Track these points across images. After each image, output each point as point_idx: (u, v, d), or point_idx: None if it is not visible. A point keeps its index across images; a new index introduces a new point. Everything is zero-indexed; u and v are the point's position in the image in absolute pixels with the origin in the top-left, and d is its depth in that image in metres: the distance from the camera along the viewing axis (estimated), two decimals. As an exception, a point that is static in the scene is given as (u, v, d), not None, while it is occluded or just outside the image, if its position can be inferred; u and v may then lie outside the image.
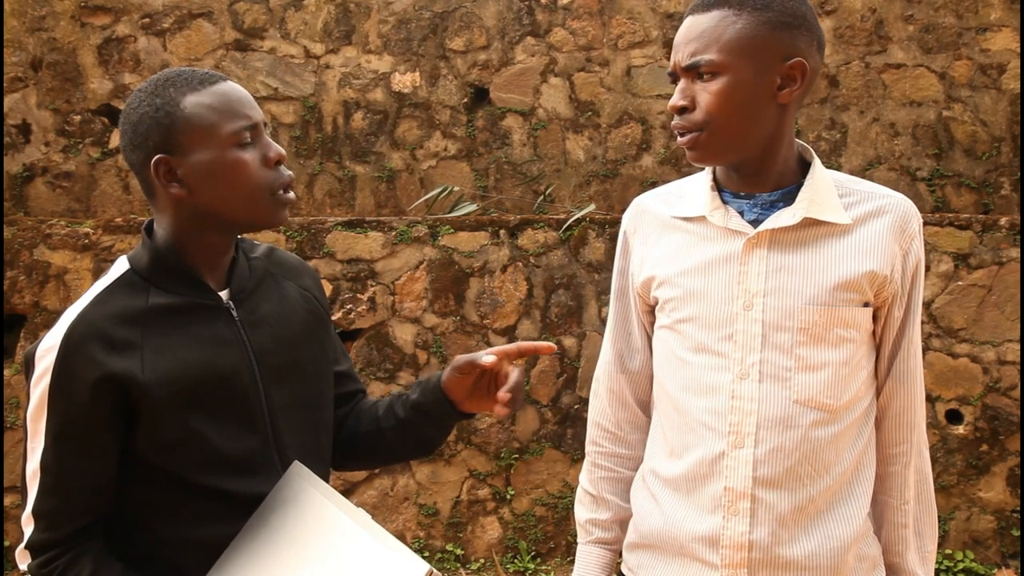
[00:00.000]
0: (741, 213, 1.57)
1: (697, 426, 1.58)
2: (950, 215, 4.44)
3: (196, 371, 1.45)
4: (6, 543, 4.29)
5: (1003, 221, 4.32)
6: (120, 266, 1.52)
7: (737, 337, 1.54)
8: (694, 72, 1.49)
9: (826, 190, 1.56)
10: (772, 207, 1.56)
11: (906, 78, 4.96)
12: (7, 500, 4.32)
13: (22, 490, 1.44)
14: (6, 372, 4.35)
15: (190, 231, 1.50)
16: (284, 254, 1.71)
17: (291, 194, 1.53)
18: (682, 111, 1.51)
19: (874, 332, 1.59)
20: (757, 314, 1.53)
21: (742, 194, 1.58)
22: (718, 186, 1.61)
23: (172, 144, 1.45)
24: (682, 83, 1.52)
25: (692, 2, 1.53)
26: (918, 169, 4.94)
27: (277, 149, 1.51)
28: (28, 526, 1.43)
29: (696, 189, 1.63)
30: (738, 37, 1.46)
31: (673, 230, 1.64)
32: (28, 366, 1.45)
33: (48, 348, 1.41)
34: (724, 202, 1.59)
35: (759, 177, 1.56)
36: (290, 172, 1.54)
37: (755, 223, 1.56)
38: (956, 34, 4.93)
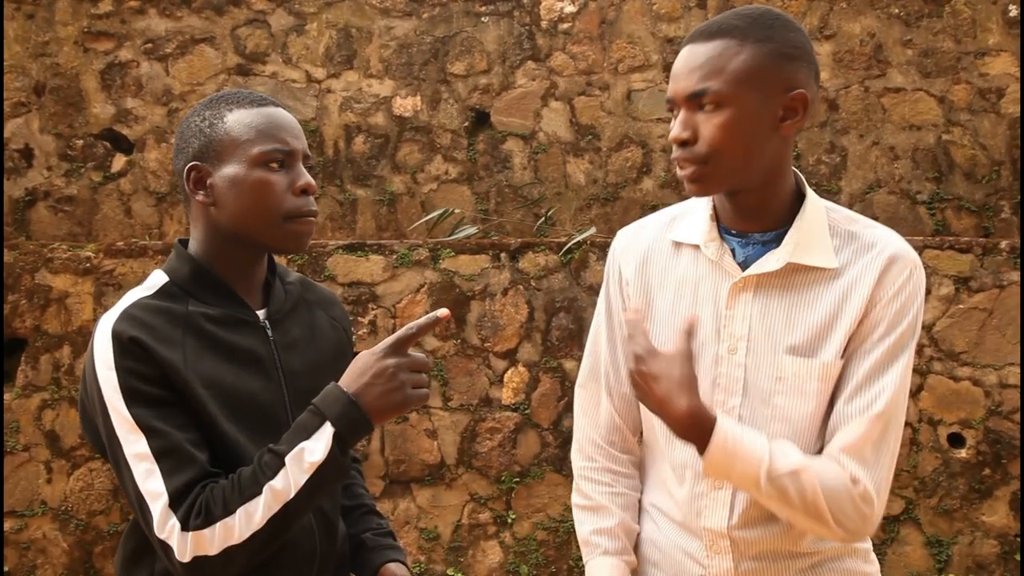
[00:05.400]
0: (733, 252, 1.54)
1: (677, 464, 1.58)
2: (950, 238, 4.44)
3: (229, 382, 1.46)
4: (6, 568, 4.27)
5: (1003, 244, 4.33)
6: (158, 278, 1.54)
7: (720, 380, 1.51)
8: (696, 102, 1.44)
9: (817, 231, 1.51)
10: (765, 247, 1.52)
11: (905, 102, 4.98)
12: (7, 525, 4.31)
13: (139, 503, 1.38)
14: (6, 396, 4.34)
15: (219, 243, 1.53)
16: (317, 285, 1.75)
17: (309, 221, 1.53)
18: (684, 143, 1.46)
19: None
20: (740, 358, 1.50)
21: (734, 231, 1.55)
22: (717, 216, 1.58)
23: (207, 154, 1.51)
24: (682, 114, 1.46)
25: (692, 31, 1.48)
26: (918, 192, 4.96)
27: (307, 179, 1.52)
28: (157, 500, 1.36)
29: (696, 215, 1.60)
30: (742, 68, 1.42)
31: (665, 253, 1.61)
32: (91, 390, 1.42)
33: (103, 361, 1.40)
34: (722, 236, 1.56)
35: (755, 214, 1.52)
36: (315, 207, 1.54)
37: (745, 264, 1.53)
38: (955, 58, 4.96)
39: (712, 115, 1.43)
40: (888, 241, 1.51)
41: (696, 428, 1.39)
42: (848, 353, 1.48)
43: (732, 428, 1.40)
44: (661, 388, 1.39)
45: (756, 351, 1.50)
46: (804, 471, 1.40)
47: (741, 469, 1.40)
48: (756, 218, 1.53)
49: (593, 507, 1.69)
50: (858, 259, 1.49)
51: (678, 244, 1.60)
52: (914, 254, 1.51)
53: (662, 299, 1.59)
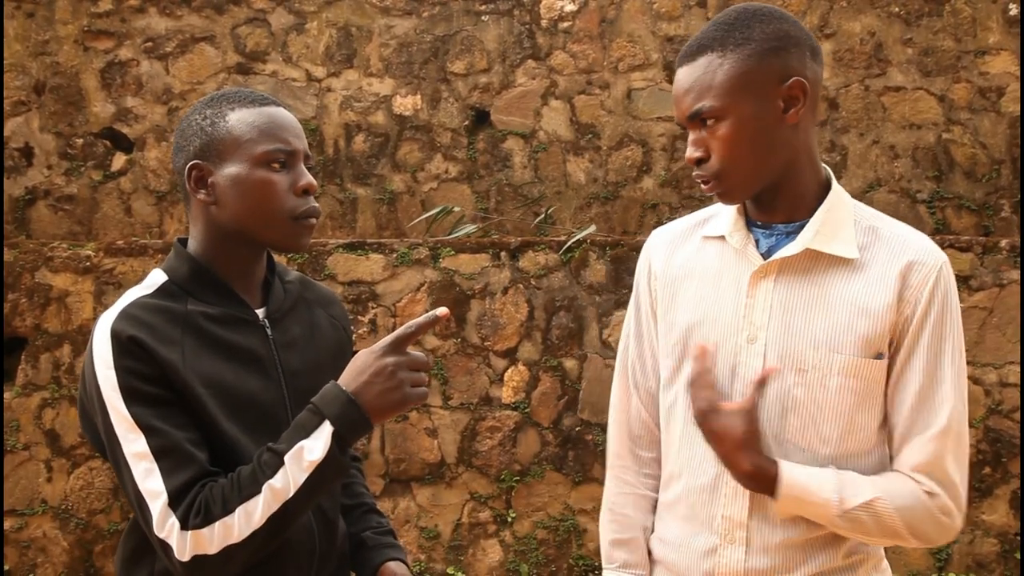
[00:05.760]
0: (757, 242, 1.55)
1: (698, 451, 1.58)
2: (950, 237, 4.44)
3: (229, 381, 1.46)
4: (6, 567, 4.28)
5: (1003, 243, 4.32)
6: (157, 277, 1.53)
7: (740, 370, 1.52)
8: (698, 121, 1.48)
9: (840, 221, 1.52)
10: (789, 238, 1.54)
11: (905, 101, 4.98)
12: (8, 524, 4.31)
13: (138, 502, 1.38)
14: (7, 395, 4.35)
15: (219, 242, 1.53)
16: (316, 283, 1.75)
17: (312, 221, 1.54)
18: (699, 162, 1.50)
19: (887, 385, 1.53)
20: (760, 348, 1.51)
21: (760, 223, 1.57)
22: (746, 210, 1.60)
23: (209, 153, 1.51)
24: (692, 134, 1.50)
25: (680, 52, 1.53)
26: (918, 191, 4.96)
27: (308, 179, 1.53)
28: (156, 499, 1.36)
29: (727, 211, 1.62)
30: (729, 77, 1.45)
31: (693, 246, 1.63)
32: (91, 389, 1.43)
33: (102, 360, 1.40)
34: (748, 227, 1.57)
35: (777, 205, 1.54)
36: (317, 204, 1.55)
37: (768, 255, 1.54)
38: (955, 57, 4.96)
39: (715, 130, 1.47)
40: (911, 241, 1.52)
41: (761, 482, 1.46)
42: (893, 364, 1.50)
43: (797, 476, 1.46)
44: (724, 447, 1.47)
45: (777, 341, 1.50)
46: (877, 500, 1.45)
47: (813, 512, 1.46)
48: (779, 209, 1.54)
49: (616, 513, 1.73)
50: (880, 255, 1.50)
51: (707, 238, 1.62)
52: (939, 252, 1.52)
53: (686, 289, 1.61)
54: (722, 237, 1.59)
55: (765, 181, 1.50)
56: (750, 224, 1.58)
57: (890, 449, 1.54)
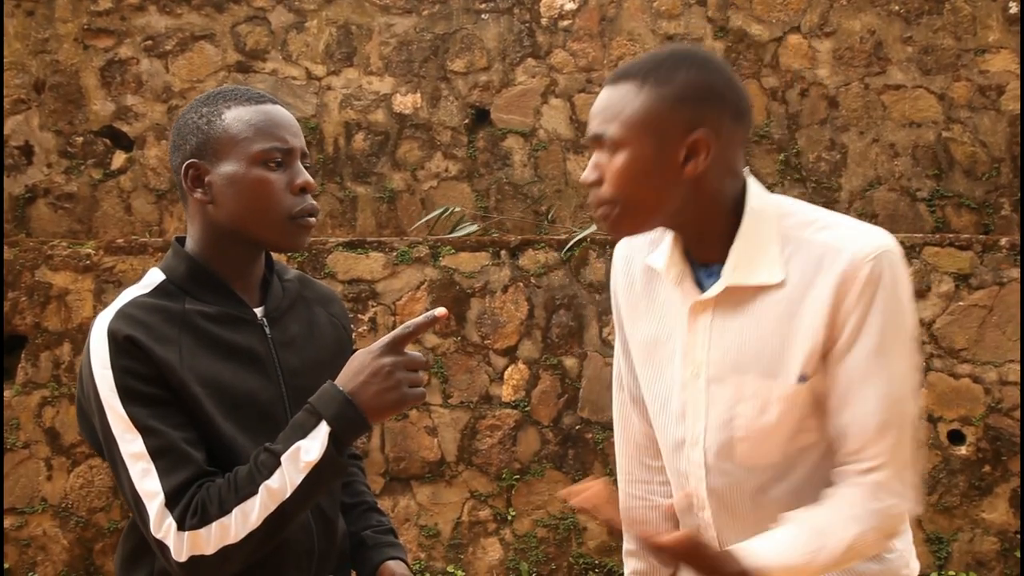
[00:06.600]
0: (701, 281, 1.51)
1: (673, 477, 1.61)
2: (950, 235, 4.44)
3: (227, 381, 1.46)
4: (6, 565, 4.28)
5: (1003, 242, 4.33)
6: (155, 276, 1.53)
7: (687, 407, 1.51)
8: (600, 146, 1.45)
9: (759, 245, 1.45)
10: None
11: (905, 99, 4.97)
12: (8, 522, 4.32)
13: (135, 502, 1.39)
14: (7, 393, 4.35)
15: (216, 242, 1.52)
16: (315, 282, 1.74)
17: (311, 220, 1.52)
18: (594, 185, 1.45)
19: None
20: (703, 383, 1.49)
21: (700, 262, 1.52)
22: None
23: (205, 151, 1.50)
24: (594, 156, 1.46)
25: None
26: (918, 190, 4.95)
27: (305, 177, 1.51)
28: (153, 499, 1.37)
29: (667, 240, 1.56)
30: (637, 111, 1.41)
31: (644, 275, 1.60)
32: (88, 389, 1.43)
33: (99, 360, 1.40)
34: (693, 264, 1.52)
35: (704, 246, 1.49)
36: (315, 203, 1.54)
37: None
38: (955, 55, 4.95)
39: (612, 159, 1.43)
40: (841, 246, 1.42)
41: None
42: (831, 372, 1.43)
43: (762, 555, 1.37)
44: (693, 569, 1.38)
45: (716, 375, 1.48)
46: (823, 548, 1.37)
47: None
48: (708, 249, 1.49)
49: (628, 522, 1.73)
50: (806, 270, 1.42)
51: (653, 269, 1.58)
52: (873, 247, 1.40)
53: (646, 323, 1.59)
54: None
55: (655, 223, 1.46)
56: (694, 264, 1.52)
57: (838, 449, 1.47)
